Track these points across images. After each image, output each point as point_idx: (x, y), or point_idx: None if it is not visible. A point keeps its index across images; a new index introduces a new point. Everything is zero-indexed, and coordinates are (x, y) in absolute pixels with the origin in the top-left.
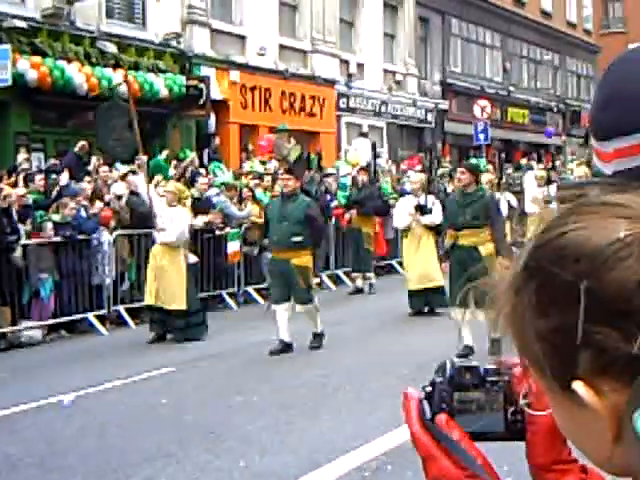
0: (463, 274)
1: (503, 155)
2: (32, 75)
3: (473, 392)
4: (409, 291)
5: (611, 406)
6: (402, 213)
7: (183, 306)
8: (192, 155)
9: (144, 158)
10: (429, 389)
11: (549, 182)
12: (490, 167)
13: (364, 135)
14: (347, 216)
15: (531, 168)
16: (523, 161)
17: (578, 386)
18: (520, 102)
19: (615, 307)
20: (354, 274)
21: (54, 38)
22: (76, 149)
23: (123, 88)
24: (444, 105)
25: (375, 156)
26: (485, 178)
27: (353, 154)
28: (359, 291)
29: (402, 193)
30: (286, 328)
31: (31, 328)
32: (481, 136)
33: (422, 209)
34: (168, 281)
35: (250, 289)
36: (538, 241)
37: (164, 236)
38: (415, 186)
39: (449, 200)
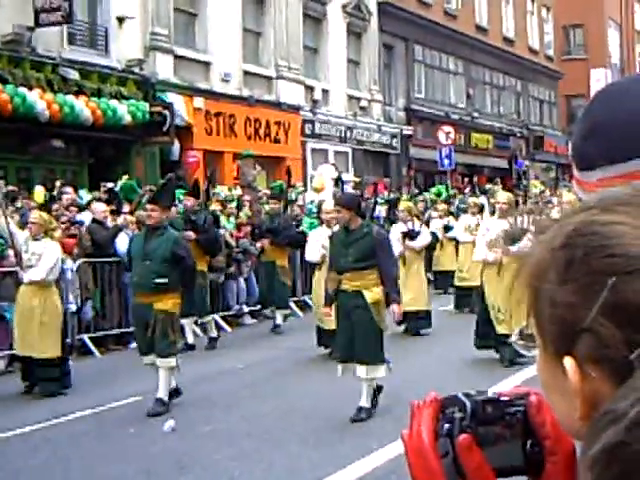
0: (347, 323)
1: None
2: None
3: (495, 425)
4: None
5: (591, 391)
6: (316, 245)
7: (57, 353)
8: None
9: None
10: (448, 426)
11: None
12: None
13: (334, 165)
14: (259, 245)
15: (485, 192)
16: (488, 186)
17: (568, 362)
18: (484, 127)
19: (630, 314)
20: (266, 310)
21: (15, 64)
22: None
23: None
24: (409, 131)
25: (341, 185)
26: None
27: (318, 179)
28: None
29: (374, 218)
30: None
31: None
32: (446, 161)
33: (411, 234)
34: (39, 325)
35: (217, 316)
36: (582, 221)
37: (32, 274)
38: (403, 214)
39: (333, 239)
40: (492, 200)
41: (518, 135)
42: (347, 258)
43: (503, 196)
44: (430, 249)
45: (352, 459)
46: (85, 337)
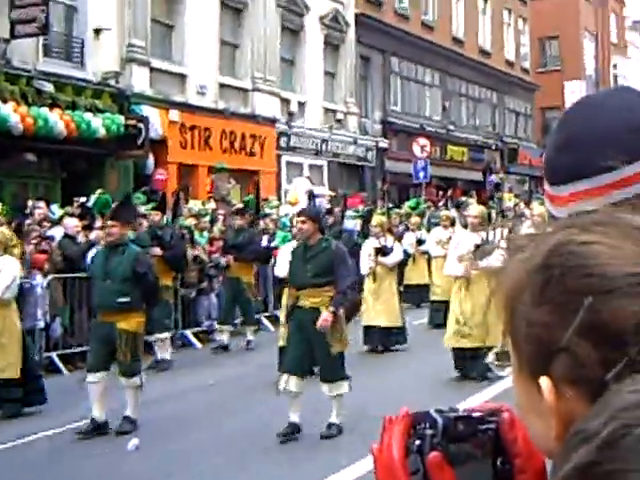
0: (303, 340)
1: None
2: None
3: (466, 443)
4: (365, 327)
5: (566, 411)
6: (285, 260)
7: (16, 374)
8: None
9: None
10: (418, 442)
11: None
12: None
13: (308, 179)
14: (223, 261)
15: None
16: (462, 198)
17: (544, 382)
18: (459, 140)
19: (606, 335)
20: (224, 327)
21: None
22: None
23: None
24: (384, 143)
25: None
26: (539, 209)
27: (292, 193)
28: (225, 348)
29: (343, 231)
30: (100, 404)
31: None
32: (421, 174)
33: (384, 251)
34: None
35: (187, 332)
36: (559, 240)
37: None
38: (376, 229)
39: (292, 254)
40: (465, 213)
41: (493, 147)
42: (306, 274)
43: (475, 210)
44: (402, 264)
45: (321, 476)
46: (53, 355)
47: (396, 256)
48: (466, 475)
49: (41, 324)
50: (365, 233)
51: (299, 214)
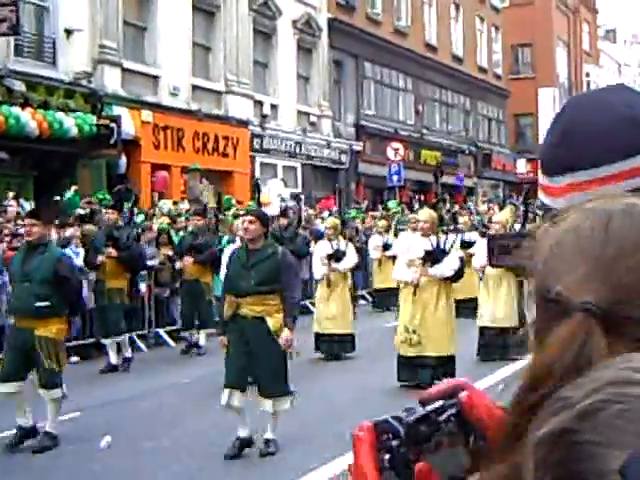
0: (244, 353)
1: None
2: None
3: (434, 438)
4: (316, 334)
5: None
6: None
7: None
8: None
9: None
10: (388, 456)
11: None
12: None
13: (282, 181)
14: (178, 265)
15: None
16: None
17: None
18: (433, 144)
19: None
20: (187, 332)
21: None
22: None
23: None
24: (358, 147)
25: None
26: (424, 215)
27: (266, 195)
28: (193, 346)
29: (318, 234)
30: (22, 410)
31: None
32: (395, 177)
33: (337, 255)
34: None
35: (161, 331)
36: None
37: None
38: (329, 231)
39: (231, 257)
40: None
41: (466, 152)
42: (249, 280)
43: (424, 214)
44: (365, 268)
45: (294, 478)
46: None
47: (350, 261)
48: (444, 467)
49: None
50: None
51: (247, 213)
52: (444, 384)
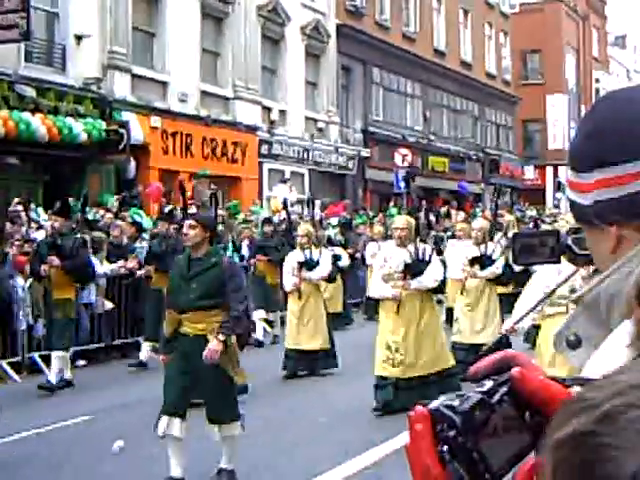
0: (183, 370)
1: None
2: None
3: (490, 424)
4: (286, 350)
5: None
6: None
7: None
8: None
9: None
10: (446, 447)
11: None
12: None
13: (284, 182)
14: (140, 273)
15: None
16: (443, 209)
17: None
18: (440, 150)
19: None
20: (150, 343)
21: None
22: None
23: None
24: (365, 153)
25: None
26: (401, 221)
27: (273, 200)
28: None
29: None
30: None
31: None
32: (402, 184)
33: (309, 265)
34: None
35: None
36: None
37: None
38: (302, 239)
39: (173, 268)
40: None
41: (474, 158)
42: (189, 295)
43: (400, 220)
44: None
45: None
46: (35, 355)
47: (323, 270)
48: (502, 446)
49: (23, 325)
50: (346, 241)
51: (190, 216)
52: (492, 359)
